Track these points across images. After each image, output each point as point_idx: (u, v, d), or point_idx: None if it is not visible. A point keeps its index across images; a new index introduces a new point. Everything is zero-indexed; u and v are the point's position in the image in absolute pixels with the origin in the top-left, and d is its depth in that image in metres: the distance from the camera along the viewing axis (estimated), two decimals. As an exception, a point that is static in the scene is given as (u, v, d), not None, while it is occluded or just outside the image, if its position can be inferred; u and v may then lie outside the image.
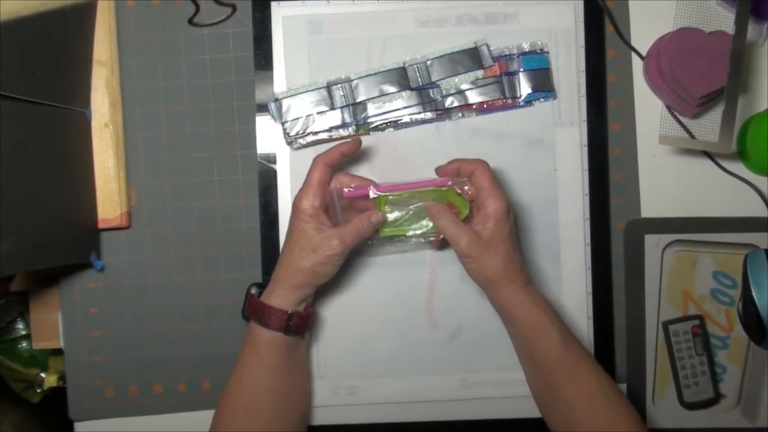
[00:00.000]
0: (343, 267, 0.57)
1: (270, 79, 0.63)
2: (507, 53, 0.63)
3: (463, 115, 0.63)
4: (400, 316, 0.64)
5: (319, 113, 0.63)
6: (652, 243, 0.65)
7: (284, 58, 0.63)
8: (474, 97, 0.63)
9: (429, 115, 0.63)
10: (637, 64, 0.65)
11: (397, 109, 0.63)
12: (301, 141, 0.63)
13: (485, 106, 0.63)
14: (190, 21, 0.64)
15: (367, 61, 0.63)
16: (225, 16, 0.64)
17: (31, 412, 0.75)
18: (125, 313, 0.65)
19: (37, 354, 0.72)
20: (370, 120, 0.63)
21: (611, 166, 0.65)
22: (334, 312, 0.64)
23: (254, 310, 0.56)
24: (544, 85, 0.63)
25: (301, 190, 0.56)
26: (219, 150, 0.65)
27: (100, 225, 0.63)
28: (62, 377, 0.70)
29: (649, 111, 0.65)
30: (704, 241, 0.65)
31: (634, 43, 0.65)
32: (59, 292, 0.65)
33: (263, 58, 0.63)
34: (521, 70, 0.63)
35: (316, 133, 0.63)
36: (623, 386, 0.65)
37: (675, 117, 0.64)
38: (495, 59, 0.63)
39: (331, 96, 0.62)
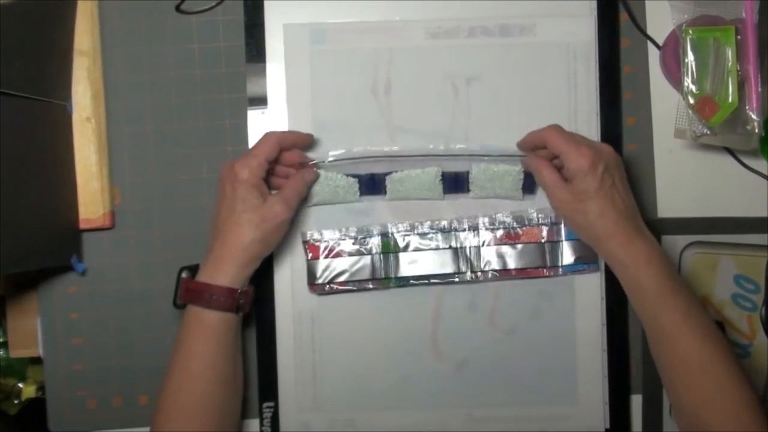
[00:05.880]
0: (344, 292, 0.61)
1: (263, 71, 0.63)
2: (550, 221, 0.63)
3: (498, 276, 0.63)
4: (403, 346, 0.64)
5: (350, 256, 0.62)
6: (670, 245, 0.65)
7: (285, 67, 0.63)
8: (513, 262, 0.62)
9: (467, 277, 0.62)
10: (654, 54, 0.65)
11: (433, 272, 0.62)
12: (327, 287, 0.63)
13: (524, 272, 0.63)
14: (178, 8, 0.64)
15: (373, 73, 0.63)
16: (214, 3, 0.64)
17: (7, 424, 0.75)
18: (108, 320, 0.64)
19: (15, 363, 0.72)
20: (401, 275, 0.62)
21: (626, 162, 0.65)
22: (332, 340, 0.63)
23: (198, 294, 0.55)
24: (587, 258, 0.62)
25: (244, 160, 0.56)
26: (208, 146, 0.64)
27: (82, 225, 0.63)
28: (41, 387, 0.70)
29: (665, 104, 0.64)
30: (725, 242, 0.64)
31: (650, 31, 0.65)
32: (38, 297, 0.65)
33: (255, 48, 0.63)
34: (563, 239, 0.63)
35: (342, 283, 0.62)
36: (638, 397, 0.65)
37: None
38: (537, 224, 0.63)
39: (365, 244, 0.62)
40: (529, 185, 0.63)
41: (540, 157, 0.60)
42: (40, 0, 0.57)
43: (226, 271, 0.55)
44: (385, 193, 0.63)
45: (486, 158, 0.62)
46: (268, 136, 0.58)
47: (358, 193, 0.62)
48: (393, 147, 0.63)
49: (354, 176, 0.62)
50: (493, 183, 0.62)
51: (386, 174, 0.62)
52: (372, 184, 0.63)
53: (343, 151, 0.62)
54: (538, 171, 0.59)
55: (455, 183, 0.63)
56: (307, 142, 0.61)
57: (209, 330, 0.56)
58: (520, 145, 0.62)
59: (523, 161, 0.62)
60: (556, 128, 0.58)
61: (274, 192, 0.59)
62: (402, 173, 0.62)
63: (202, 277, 0.56)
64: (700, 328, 0.53)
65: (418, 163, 0.62)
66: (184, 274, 0.58)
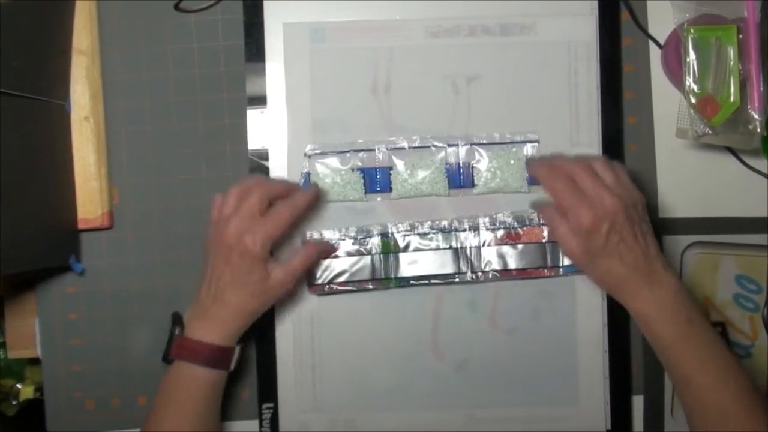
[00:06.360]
0: (343, 292, 0.62)
1: (262, 70, 0.63)
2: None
3: (498, 277, 0.62)
4: (403, 346, 0.63)
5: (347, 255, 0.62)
6: (671, 245, 0.64)
7: (285, 66, 0.63)
8: (514, 262, 0.62)
9: (467, 277, 0.62)
10: (655, 54, 0.65)
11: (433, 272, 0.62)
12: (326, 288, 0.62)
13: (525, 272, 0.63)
14: (176, 6, 0.64)
15: (373, 72, 0.63)
16: (213, 2, 0.64)
17: (6, 425, 0.75)
18: (107, 320, 0.64)
19: (13, 363, 0.72)
20: (401, 275, 0.62)
21: (627, 162, 0.65)
22: (332, 340, 0.63)
23: (196, 353, 0.55)
24: None
25: (257, 234, 0.54)
26: (207, 145, 0.64)
27: (80, 225, 0.63)
28: (39, 388, 0.70)
29: (667, 103, 0.64)
30: (727, 242, 0.64)
31: (651, 30, 0.65)
32: (36, 297, 0.65)
33: (254, 47, 0.63)
34: None
35: (342, 283, 0.62)
36: (639, 398, 0.65)
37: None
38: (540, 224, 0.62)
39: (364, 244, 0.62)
40: (533, 176, 0.63)
41: (552, 209, 0.58)
42: (39, -1, 0.57)
43: (224, 332, 0.56)
44: (390, 190, 0.63)
45: (490, 147, 0.63)
46: (283, 214, 0.56)
47: (364, 190, 0.62)
48: (396, 144, 0.63)
49: (359, 170, 0.62)
50: (496, 175, 0.62)
51: (390, 168, 0.63)
52: (377, 180, 0.63)
53: (348, 142, 0.63)
54: (550, 223, 0.58)
55: (459, 177, 0.63)
56: (316, 202, 0.60)
57: (202, 386, 0.56)
58: (532, 169, 0.61)
59: (534, 206, 0.62)
60: (562, 179, 0.56)
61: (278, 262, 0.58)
62: (406, 169, 0.62)
63: (197, 334, 0.56)
64: (718, 371, 0.53)
65: (422, 156, 0.63)
66: (178, 331, 0.56)
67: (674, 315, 0.54)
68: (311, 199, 0.59)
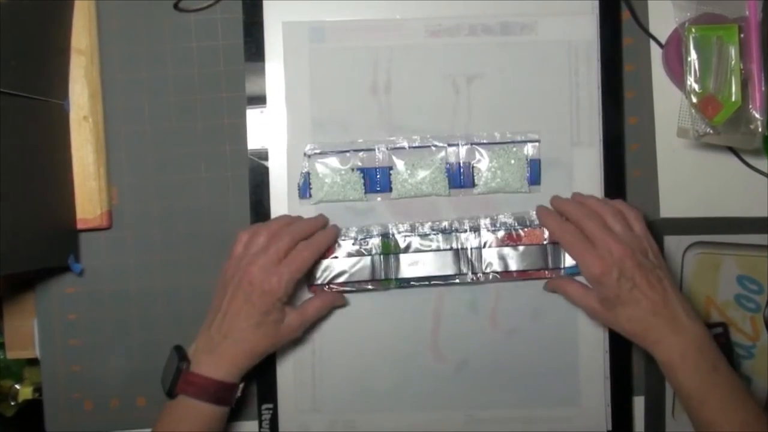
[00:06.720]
0: (343, 292, 0.62)
1: (262, 70, 0.63)
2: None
3: (499, 278, 0.62)
4: (403, 347, 0.63)
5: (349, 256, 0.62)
6: (673, 245, 0.64)
7: (284, 66, 0.63)
8: (515, 263, 0.62)
9: (468, 278, 0.62)
10: (656, 53, 0.65)
11: (432, 272, 0.62)
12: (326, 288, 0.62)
13: (525, 273, 0.62)
14: (176, 6, 0.64)
15: (372, 72, 0.63)
16: (213, 1, 0.64)
17: (4, 426, 0.75)
18: (106, 321, 0.64)
19: (12, 364, 0.72)
20: (401, 276, 0.62)
21: (628, 162, 0.65)
22: (332, 340, 0.63)
23: (203, 389, 0.55)
24: None
25: (282, 274, 0.55)
26: (206, 145, 0.64)
27: (79, 225, 0.63)
28: (38, 389, 0.70)
29: (668, 103, 0.64)
30: (728, 242, 0.64)
31: (652, 30, 0.65)
32: (35, 297, 0.65)
33: (254, 46, 0.63)
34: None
35: (342, 284, 0.62)
36: (641, 399, 0.65)
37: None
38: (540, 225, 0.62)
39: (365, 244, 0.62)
40: (534, 176, 0.63)
41: (559, 278, 0.61)
42: (37, -2, 0.57)
43: (232, 369, 0.56)
44: (390, 190, 0.63)
45: (490, 147, 0.63)
46: (305, 257, 0.57)
47: (364, 190, 0.62)
48: (396, 144, 0.63)
49: (359, 170, 0.62)
50: (497, 175, 0.62)
51: (390, 168, 0.63)
52: (377, 180, 0.63)
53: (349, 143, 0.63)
54: (563, 291, 0.60)
55: (460, 177, 0.63)
56: (335, 241, 0.61)
57: (207, 421, 0.56)
58: (540, 217, 0.62)
59: (545, 287, 0.63)
60: (570, 230, 0.57)
61: (292, 307, 0.59)
62: (406, 169, 0.62)
63: (204, 369, 0.56)
64: (742, 420, 0.52)
65: (423, 156, 0.63)
66: (185, 366, 0.56)
67: (698, 363, 0.53)
68: (331, 240, 0.60)
